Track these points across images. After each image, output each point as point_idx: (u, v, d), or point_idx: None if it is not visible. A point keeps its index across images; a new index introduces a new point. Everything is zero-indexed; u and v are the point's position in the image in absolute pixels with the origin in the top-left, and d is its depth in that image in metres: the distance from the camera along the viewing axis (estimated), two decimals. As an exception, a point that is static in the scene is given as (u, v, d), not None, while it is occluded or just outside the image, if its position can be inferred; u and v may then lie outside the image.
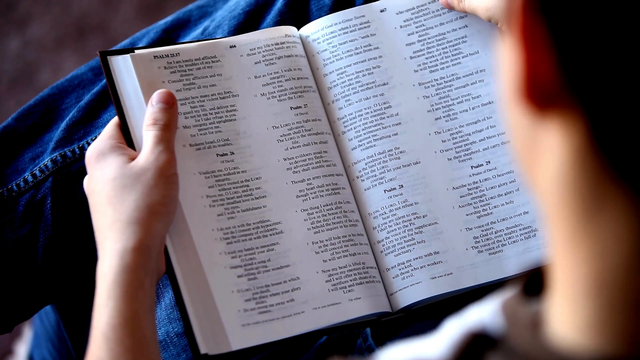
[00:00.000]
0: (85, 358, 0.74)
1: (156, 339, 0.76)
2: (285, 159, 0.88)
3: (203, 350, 0.80)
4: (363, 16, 0.93)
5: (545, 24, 0.41)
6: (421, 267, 0.87)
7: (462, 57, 0.92)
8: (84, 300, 0.95)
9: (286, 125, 0.89)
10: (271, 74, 0.90)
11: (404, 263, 0.87)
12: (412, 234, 0.88)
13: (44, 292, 0.95)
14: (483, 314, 0.48)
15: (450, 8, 0.92)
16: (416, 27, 0.93)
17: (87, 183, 0.82)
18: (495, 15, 0.87)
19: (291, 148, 0.89)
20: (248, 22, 0.97)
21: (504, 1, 0.43)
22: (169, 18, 1.03)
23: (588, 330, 0.43)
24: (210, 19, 1.01)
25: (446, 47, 0.93)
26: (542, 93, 0.42)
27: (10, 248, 0.93)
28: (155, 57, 0.87)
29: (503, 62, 0.44)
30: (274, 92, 0.90)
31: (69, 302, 0.98)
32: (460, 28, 0.93)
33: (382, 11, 0.94)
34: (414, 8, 0.94)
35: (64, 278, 0.94)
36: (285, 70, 0.90)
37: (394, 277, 0.87)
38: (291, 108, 0.90)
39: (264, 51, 0.91)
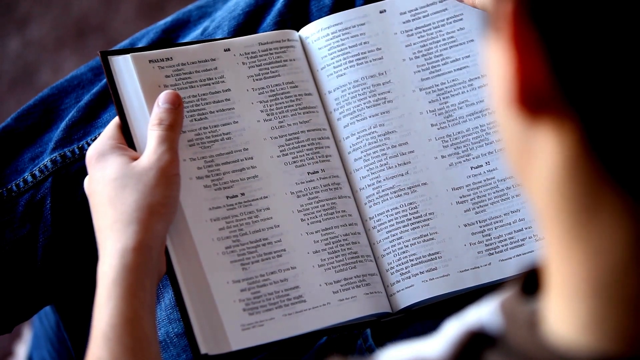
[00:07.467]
0: (86, 358, 0.74)
1: (157, 339, 0.76)
2: (285, 164, 0.88)
3: (203, 350, 0.80)
4: (363, 17, 0.93)
5: (537, 30, 0.41)
6: (420, 268, 0.87)
7: (463, 59, 0.92)
8: (83, 300, 0.95)
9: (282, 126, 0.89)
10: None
11: (402, 264, 0.87)
12: (410, 235, 0.88)
13: (44, 293, 0.95)
14: (482, 314, 0.48)
15: None
16: (416, 28, 0.93)
17: (88, 184, 0.81)
18: None
19: (288, 146, 0.88)
20: (248, 22, 0.97)
21: (492, 6, 0.43)
22: (168, 18, 1.03)
23: (585, 328, 0.43)
24: (210, 19, 1.01)
25: (447, 48, 0.92)
26: (534, 99, 0.41)
27: (10, 248, 0.93)
28: (150, 61, 0.86)
29: (493, 66, 0.44)
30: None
31: (69, 302, 0.98)
32: (458, 30, 0.92)
33: (381, 12, 0.93)
34: (416, 9, 0.93)
35: (64, 278, 0.94)
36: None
37: (393, 278, 0.87)
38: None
39: (259, 56, 0.90)
